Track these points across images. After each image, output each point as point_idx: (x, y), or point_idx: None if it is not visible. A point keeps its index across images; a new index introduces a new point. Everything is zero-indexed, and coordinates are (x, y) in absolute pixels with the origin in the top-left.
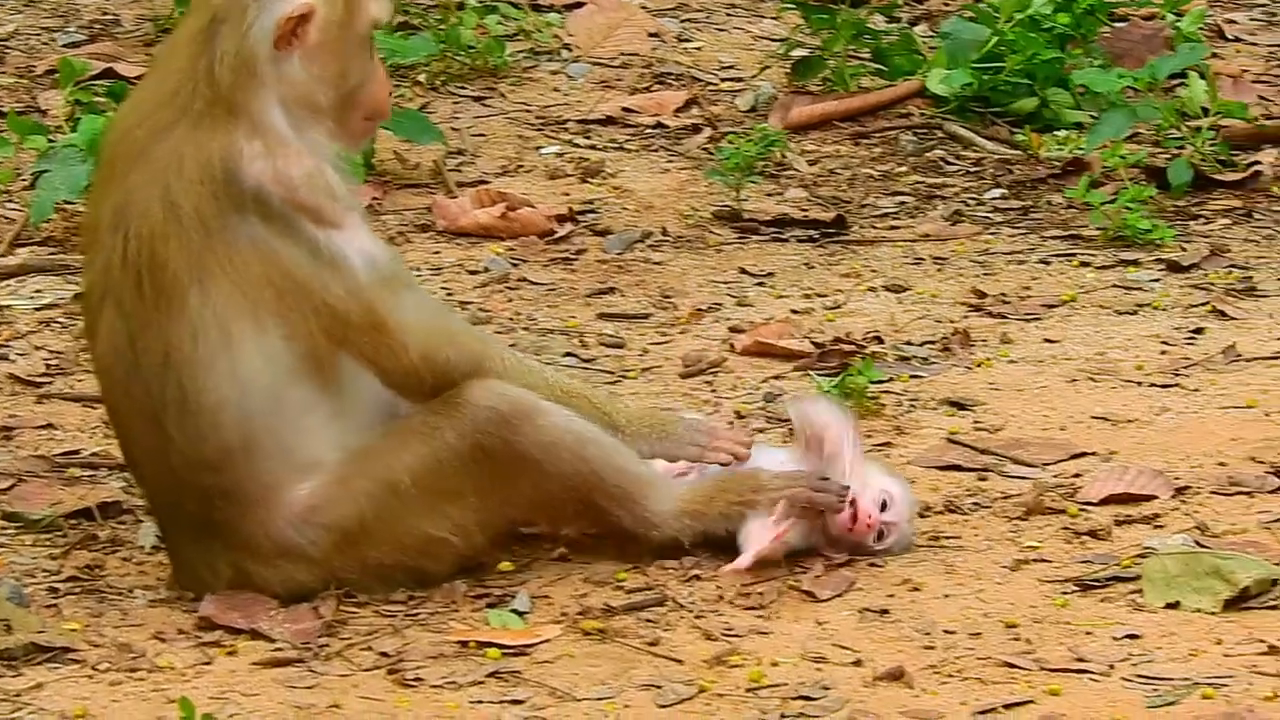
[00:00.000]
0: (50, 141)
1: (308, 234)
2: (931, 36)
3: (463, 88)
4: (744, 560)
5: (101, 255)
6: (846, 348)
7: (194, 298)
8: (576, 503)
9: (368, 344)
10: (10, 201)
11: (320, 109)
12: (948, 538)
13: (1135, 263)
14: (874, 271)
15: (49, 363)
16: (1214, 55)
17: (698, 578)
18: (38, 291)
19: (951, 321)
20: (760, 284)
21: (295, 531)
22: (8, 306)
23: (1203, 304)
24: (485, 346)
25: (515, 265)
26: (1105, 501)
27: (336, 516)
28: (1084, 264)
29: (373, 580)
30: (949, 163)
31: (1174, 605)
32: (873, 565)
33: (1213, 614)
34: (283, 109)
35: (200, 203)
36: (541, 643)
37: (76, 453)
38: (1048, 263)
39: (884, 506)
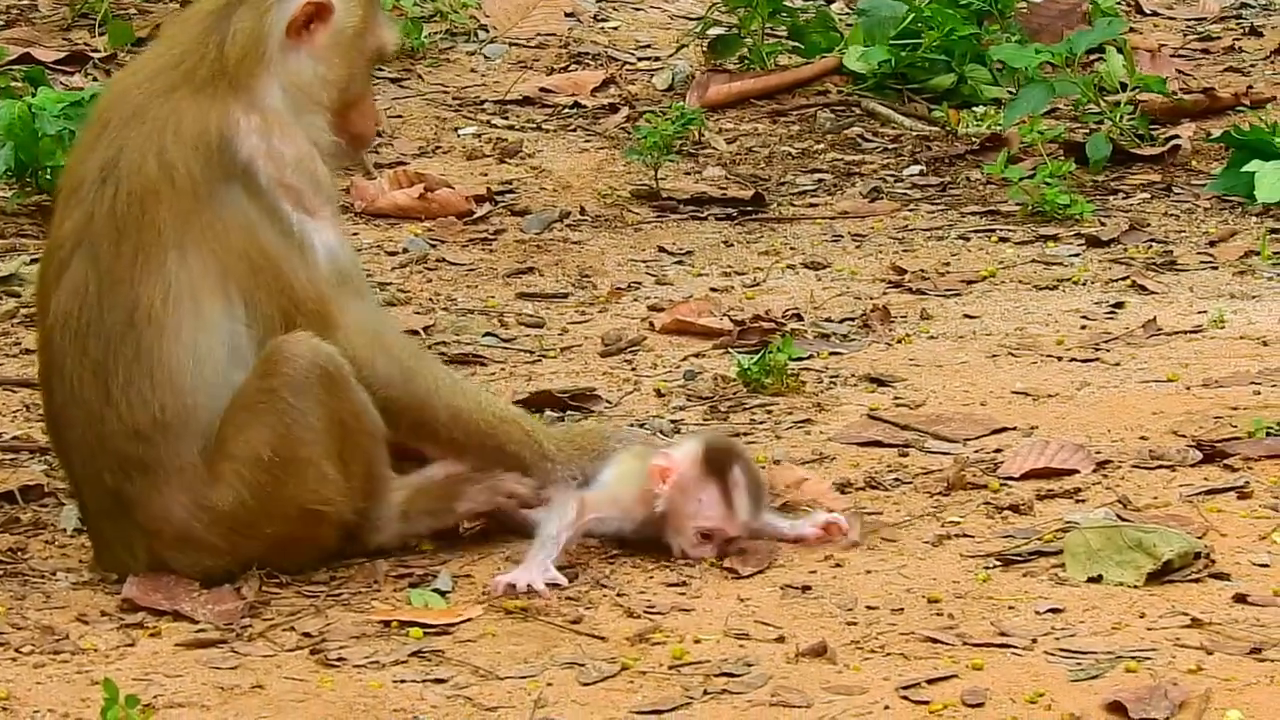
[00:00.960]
0: None
1: (285, 214)
2: (848, 14)
3: (380, 69)
4: (506, 579)
5: (83, 208)
6: (766, 325)
7: (173, 260)
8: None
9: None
10: None
11: (318, 106)
12: (869, 513)
13: (1054, 238)
14: (793, 249)
15: None
16: (1131, 30)
17: (619, 555)
18: None
19: (871, 298)
20: (679, 262)
21: (191, 517)
22: None
23: (1123, 278)
24: (419, 364)
25: (434, 246)
26: (1026, 476)
27: (219, 501)
28: (1003, 239)
29: (278, 558)
30: (867, 140)
31: (1096, 579)
32: (794, 542)
33: (1135, 588)
34: (284, 94)
35: (193, 166)
36: (464, 622)
37: None
38: (967, 239)
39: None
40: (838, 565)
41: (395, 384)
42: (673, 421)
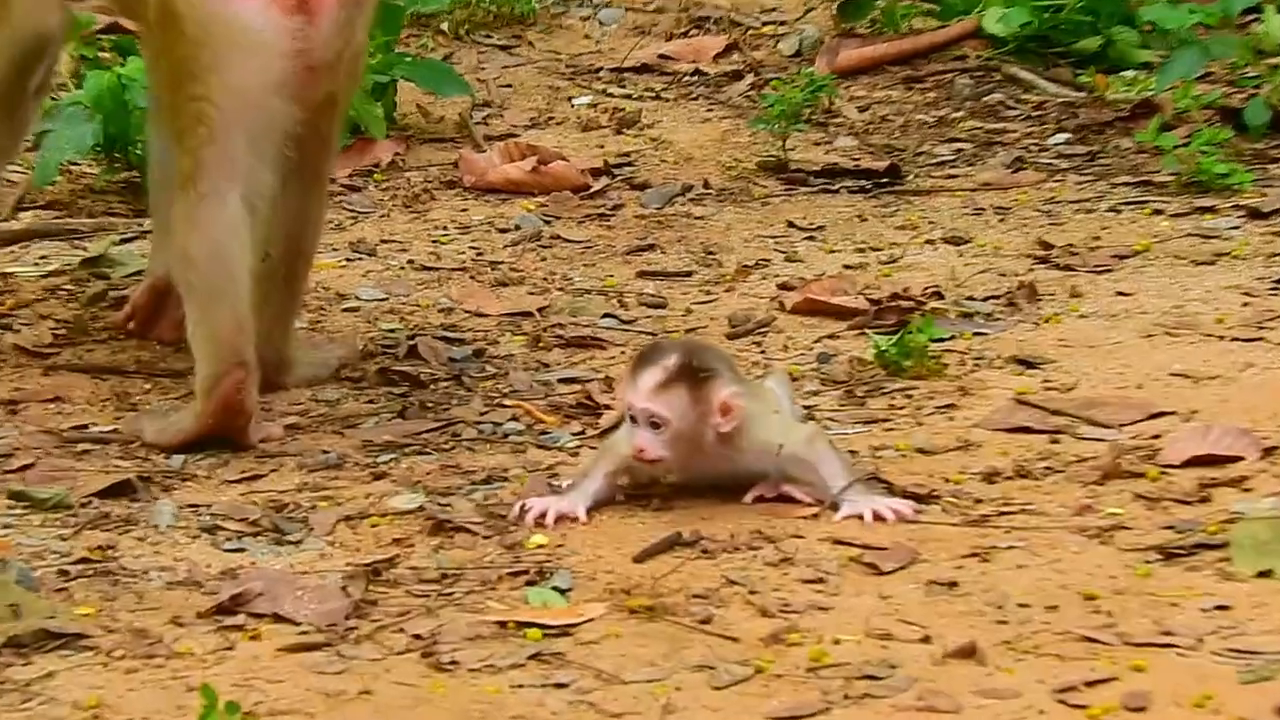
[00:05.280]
0: (54, 99)
1: None
2: None
3: (488, 36)
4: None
5: None
6: (905, 304)
7: None
8: None
9: None
10: (12, 163)
11: None
12: (1019, 504)
13: (1212, 209)
14: (932, 223)
15: (55, 332)
16: None
17: (751, 548)
18: (43, 258)
19: (1016, 275)
20: (810, 238)
21: None
22: (11, 274)
23: None
24: None
25: (548, 222)
26: (1188, 464)
27: None
28: (1157, 211)
29: None
30: (1009, 107)
31: (1266, 574)
32: (939, 535)
33: None
34: None
35: None
36: (585, 622)
37: (86, 428)
38: (1118, 211)
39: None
40: (986, 560)
41: None
42: (806, 407)
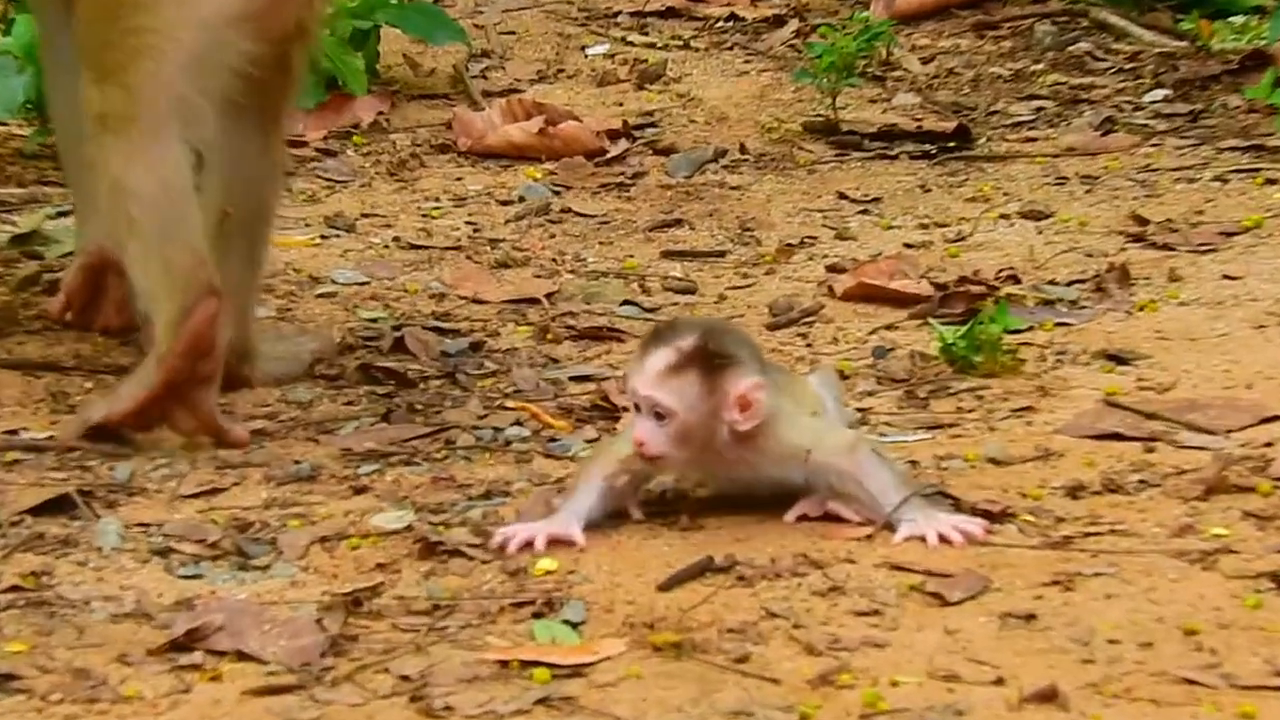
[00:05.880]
0: None
1: None
2: None
3: None
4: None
5: None
6: (975, 289)
7: None
8: None
9: None
10: None
11: None
12: (1108, 524)
13: None
14: (1007, 194)
15: None
16: None
17: (795, 575)
18: None
19: (1106, 255)
20: (864, 212)
21: None
22: None
23: None
24: None
25: (557, 193)
26: None
27: None
28: (1270, 181)
29: None
30: (1097, 58)
31: None
32: (1014, 559)
33: None
34: None
35: None
36: (601, 661)
37: (16, 433)
38: (1224, 180)
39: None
40: (1069, 589)
41: None
42: (859, 410)
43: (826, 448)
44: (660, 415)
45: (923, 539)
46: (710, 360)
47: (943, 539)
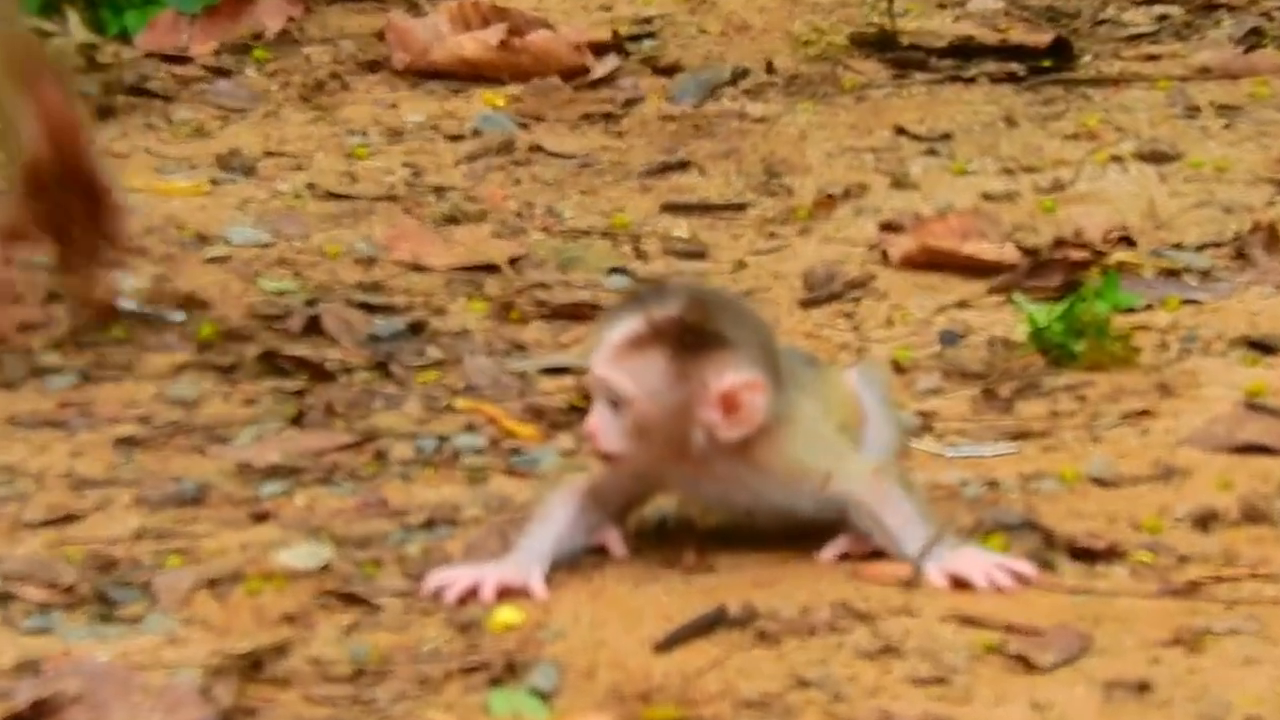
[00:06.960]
0: None
1: None
2: None
3: None
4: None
5: None
6: (1076, 255)
7: None
8: None
9: None
10: None
11: None
12: (1248, 564)
13: None
14: (1120, 130)
15: None
16: None
17: (834, 630)
18: None
19: (1249, 210)
20: (931, 152)
21: None
22: None
23: None
24: None
25: (524, 125)
26: None
27: None
28: None
29: None
30: None
31: None
32: (1125, 611)
33: None
34: None
35: None
36: None
37: None
38: None
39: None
40: (1196, 649)
41: None
42: (920, 415)
43: (848, 472)
44: (616, 403)
45: (966, 583)
46: (685, 337)
47: (992, 584)
